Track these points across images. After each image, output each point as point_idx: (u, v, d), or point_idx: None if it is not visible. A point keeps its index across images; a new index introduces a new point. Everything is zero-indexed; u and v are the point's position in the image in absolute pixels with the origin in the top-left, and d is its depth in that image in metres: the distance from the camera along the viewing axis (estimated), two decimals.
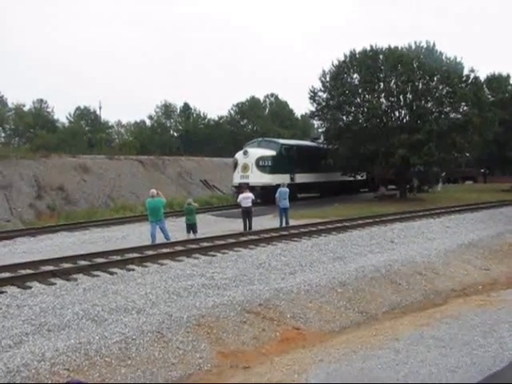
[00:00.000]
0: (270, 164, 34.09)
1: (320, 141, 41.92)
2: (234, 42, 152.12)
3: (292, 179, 34.58)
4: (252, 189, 28.25)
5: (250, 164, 34.07)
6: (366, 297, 12.09)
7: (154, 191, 18.55)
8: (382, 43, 38.49)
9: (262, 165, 34.03)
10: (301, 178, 35.69)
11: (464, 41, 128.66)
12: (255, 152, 34.95)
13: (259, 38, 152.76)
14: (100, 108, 75.86)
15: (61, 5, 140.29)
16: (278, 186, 28.88)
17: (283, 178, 31.41)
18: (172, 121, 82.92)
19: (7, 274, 12.52)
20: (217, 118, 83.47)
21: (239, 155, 35.27)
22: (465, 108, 36.88)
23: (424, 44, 36.98)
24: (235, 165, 35.32)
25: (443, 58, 36.69)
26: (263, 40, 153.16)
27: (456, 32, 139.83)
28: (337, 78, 37.81)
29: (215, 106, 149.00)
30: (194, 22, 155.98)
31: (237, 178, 34.43)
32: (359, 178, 42.00)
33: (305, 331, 9.94)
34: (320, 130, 47.79)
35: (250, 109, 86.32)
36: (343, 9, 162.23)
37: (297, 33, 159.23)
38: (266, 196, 30.87)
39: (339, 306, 11.33)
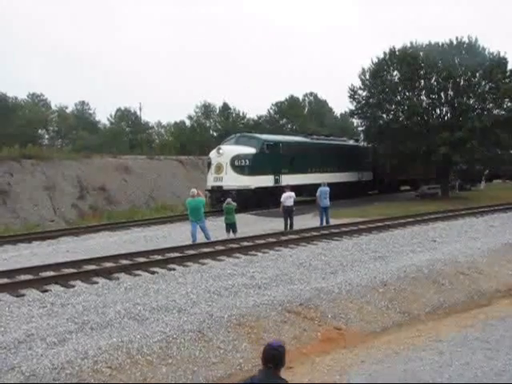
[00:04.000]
0: (248, 164, 29.34)
1: (316, 136, 38.65)
2: (273, 41, 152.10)
3: (277, 181, 30.54)
4: (226, 193, 26.54)
5: (224, 164, 29.34)
6: (408, 297, 11.88)
7: (194, 191, 18.68)
8: (423, 39, 38.02)
9: (238, 165, 29.29)
10: (288, 180, 29.70)
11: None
12: (230, 150, 30.21)
13: (299, 38, 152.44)
14: (140, 109, 76.78)
15: (101, 7, 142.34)
16: (259, 189, 28.21)
17: (265, 180, 29.23)
18: (211, 121, 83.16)
19: (51, 273, 12.76)
20: (256, 118, 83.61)
21: (213, 154, 30.62)
22: (508, 104, 36.11)
23: (466, 39, 36.35)
24: (208, 165, 30.90)
25: (486, 53, 35.97)
26: (302, 39, 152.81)
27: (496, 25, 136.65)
28: (376, 76, 37.47)
29: (254, 105, 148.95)
30: (234, 23, 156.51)
31: (210, 181, 30.02)
32: (365, 178, 39.83)
33: (346, 331, 9.81)
34: (360, 129, 47.48)
35: (289, 108, 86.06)
36: (384, 7, 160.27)
37: (336, 31, 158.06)
38: (243, 202, 26.89)
39: (380, 306, 11.16)
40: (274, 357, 4.34)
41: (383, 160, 36.93)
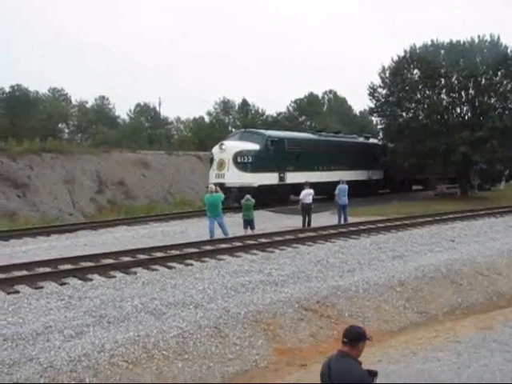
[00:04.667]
0: (250, 160, 28.12)
1: (324, 133, 37.12)
2: (293, 38, 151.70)
3: (282, 179, 29.35)
4: (228, 191, 25.45)
5: (227, 160, 28.19)
6: (426, 297, 11.81)
7: (212, 187, 18.74)
8: (444, 37, 37.65)
9: (240, 161, 28.11)
10: (294, 178, 28.98)
11: None
12: (233, 146, 29.07)
13: (318, 35, 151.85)
14: (160, 104, 76.88)
15: (124, 2, 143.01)
16: (263, 187, 27.10)
17: (269, 178, 28.04)
18: (230, 117, 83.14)
19: (69, 266, 12.82)
20: (275, 115, 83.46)
21: (215, 149, 29.46)
22: None
23: (488, 37, 35.94)
24: (211, 161, 29.61)
25: (508, 51, 35.50)
26: (322, 36, 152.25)
27: None
28: (396, 74, 37.14)
29: (273, 102, 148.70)
30: (254, 18, 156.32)
31: (212, 178, 28.57)
32: (375, 177, 38.36)
33: None
34: (379, 127, 47.17)
35: (308, 105, 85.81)
36: (404, 5, 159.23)
37: (356, 29, 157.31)
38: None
39: (398, 305, 11.11)
40: (357, 335, 4.53)
41: (401, 158, 36.59)
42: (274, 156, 29.15)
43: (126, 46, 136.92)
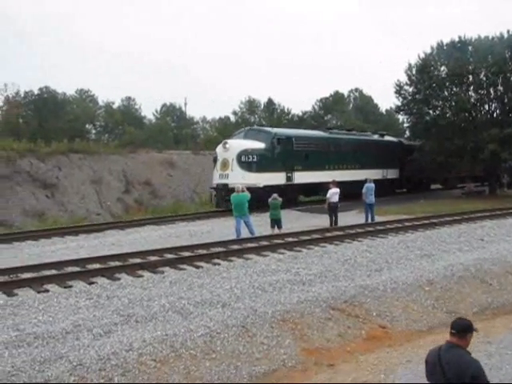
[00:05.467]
0: (256, 160, 26.81)
1: (336, 131, 36.20)
2: (318, 36, 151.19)
3: (289, 179, 27.99)
4: (232, 191, 23.83)
5: (231, 160, 26.77)
6: (455, 296, 11.64)
7: (239, 186, 18.78)
8: (472, 33, 37.21)
9: (245, 160, 26.71)
10: (302, 178, 28.15)
11: None
12: (237, 144, 27.67)
13: (344, 33, 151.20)
14: (185, 104, 77.22)
15: (150, 4, 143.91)
16: (267, 188, 25.61)
17: (275, 178, 26.56)
18: (256, 116, 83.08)
19: (97, 266, 12.95)
20: (300, 114, 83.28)
21: (219, 148, 28.09)
22: None
23: None
24: (215, 160, 28.27)
25: None
26: (348, 35, 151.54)
27: None
28: (423, 71, 36.77)
29: (299, 101, 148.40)
30: (281, 18, 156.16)
31: (215, 178, 27.61)
32: (390, 176, 36.20)
33: (391, 330, 9.68)
34: (405, 125, 46.77)
35: (333, 104, 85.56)
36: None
37: (382, 27, 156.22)
38: (251, 201, 24.97)
39: (426, 305, 10.98)
40: (465, 327, 4.82)
41: (428, 157, 36.17)
42: (280, 155, 28.00)
43: (145, 46, 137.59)
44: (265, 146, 27.42)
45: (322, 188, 25.83)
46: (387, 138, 39.62)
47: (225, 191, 25.78)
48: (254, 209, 23.92)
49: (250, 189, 23.88)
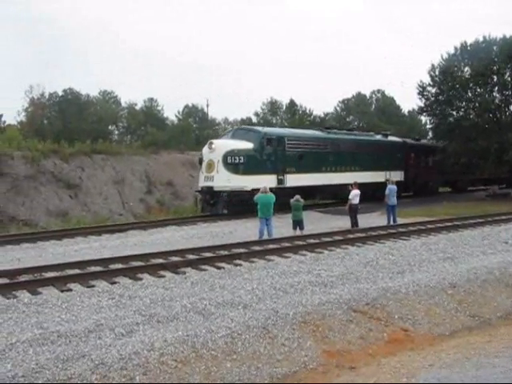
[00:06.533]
0: (243, 161, 25.26)
1: (335, 130, 34.59)
2: (341, 37, 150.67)
3: (281, 182, 26.39)
4: (217, 195, 24.42)
5: (216, 161, 25.17)
6: (479, 300, 11.50)
7: (266, 186, 18.79)
8: (497, 33, 36.83)
9: (231, 162, 25.11)
10: (296, 181, 26.33)
11: None
12: (223, 144, 26.14)
13: (366, 34, 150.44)
14: (207, 106, 77.75)
15: (173, 4, 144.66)
16: (255, 191, 23.51)
17: (265, 181, 24.12)
18: (278, 117, 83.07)
19: (120, 266, 13.04)
20: (322, 115, 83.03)
21: (205, 149, 26.53)
22: None
23: None
24: (200, 162, 26.77)
25: None
26: (370, 36, 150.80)
27: None
28: (446, 72, 36.53)
29: (321, 102, 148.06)
30: (302, 19, 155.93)
31: (200, 181, 26.22)
32: (394, 178, 31.19)
33: (413, 333, 9.60)
34: (428, 127, 46.39)
35: (355, 105, 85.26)
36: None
37: (404, 28, 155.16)
38: (238, 206, 24.43)
39: (449, 308, 10.86)
40: None
41: (451, 158, 35.85)
42: (271, 156, 26.49)
43: (163, 46, 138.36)
44: (253, 146, 25.97)
45: (318, 191, 24.51)
46: (391, 138, 38.15)
47: (210, 195, 25.09)
48: (243, 213, 23.96)
49: (234, 192, 24.17)
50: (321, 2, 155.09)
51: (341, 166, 30.29)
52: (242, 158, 25.24)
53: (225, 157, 25.06)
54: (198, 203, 26.69)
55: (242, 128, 29.81)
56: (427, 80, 37.91)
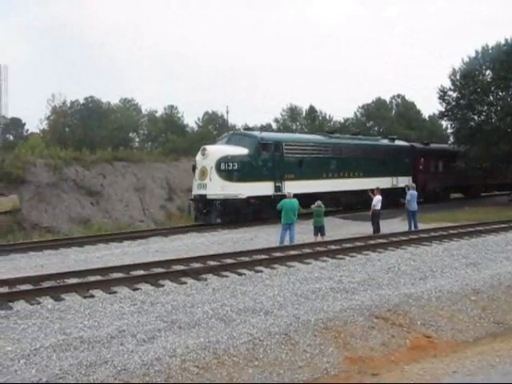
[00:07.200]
0: (237, 167, 24.18)
1: (338, 135, 33.28)
2: (360, 42, 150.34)
3: (278, 189, 25.13)
4: (210, 203, 23.57)
5: (209, 168, 24.11)
6: (503, 306, 11.37)
7: (290, 192, 18.80)
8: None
9: (224, 169, 24.06)
10: (295, 188, 23.41)
11: None
12: (216, 150, 25.09)
13: (385, 38, 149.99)
14: (227, 112, 77.53)
15: (195, 9, 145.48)
16: (255, 199, 24.07)
17: (262, 188, 24.00)
18: (298, 123, 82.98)
19: (141, 272, 13.08)
20: (342, 121, 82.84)
21: (198, 156, 25.49)
22: None
23: None
24: (193, 169, 25.64)
25: None
26: (389, 40, 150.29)
27: None
28: (467, 76, 36.25)
29: (341, 108, 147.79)
30: (322, 26, 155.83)
31: (194, 189, 25.33)
32: (402, 184, 30.53)
33: (436, 340, 9.51)
34: (449, 131, 46.06)
35: (375, 110, 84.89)
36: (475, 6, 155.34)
37: (425, 32, 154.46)
38: (233, 214, 24.03)
39: (472, 314, 10.74)
40: None
41: (473, 163, 35.53)
42: (267, 162, 25.37)
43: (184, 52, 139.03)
44: (248, 152, 24.91)
45: (319, 198, 21.82)
46: (398, 142, 36.83)
47: (203, 203, 24.30)
48: (236, 222, 23.65)
49: (228, 200, 23.31)
50: (346, 7, 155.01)
51: (343, 172, 29.33)
52: (236, 164, 24.29)
53: (218, 163, 24.14)
54: (191, 212, 25.67)
55: (237, 133, 28.95)
56: (448, 84, 37.70)
